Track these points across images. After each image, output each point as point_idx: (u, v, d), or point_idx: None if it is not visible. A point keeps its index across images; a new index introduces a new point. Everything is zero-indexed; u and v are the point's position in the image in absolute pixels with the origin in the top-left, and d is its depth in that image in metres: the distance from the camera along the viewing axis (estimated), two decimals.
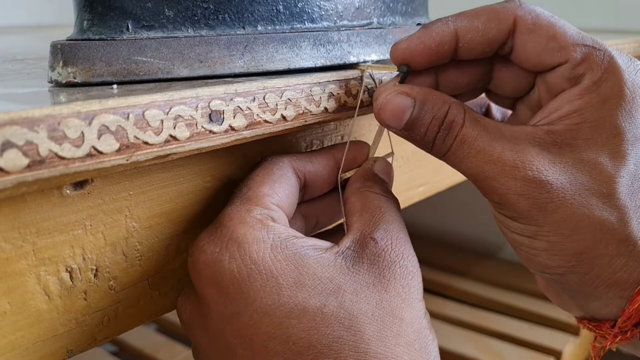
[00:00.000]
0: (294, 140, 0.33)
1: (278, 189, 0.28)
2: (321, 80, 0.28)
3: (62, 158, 0.19)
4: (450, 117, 0.27)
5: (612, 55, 0.27)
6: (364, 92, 0.30)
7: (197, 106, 0.23)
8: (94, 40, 0.26)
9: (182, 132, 0.23)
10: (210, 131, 0.24)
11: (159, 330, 0.88)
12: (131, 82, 0.26)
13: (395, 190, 0.31)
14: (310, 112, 0.28)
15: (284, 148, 0.32)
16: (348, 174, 0.31)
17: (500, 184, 0.27)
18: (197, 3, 0.27)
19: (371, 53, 0.32)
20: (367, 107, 0.31)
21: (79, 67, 0.25)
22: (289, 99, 0.27)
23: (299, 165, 0.30)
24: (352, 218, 0.28)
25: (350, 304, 0.25)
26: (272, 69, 0.28)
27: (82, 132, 0.20)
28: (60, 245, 0.24)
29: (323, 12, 0.30)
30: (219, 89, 0.24)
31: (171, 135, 0.23)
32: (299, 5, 0.29)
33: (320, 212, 0.32)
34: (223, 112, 0.24)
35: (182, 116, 0.23)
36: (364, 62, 0.32)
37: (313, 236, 0.29)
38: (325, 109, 0.29)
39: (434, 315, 0.84)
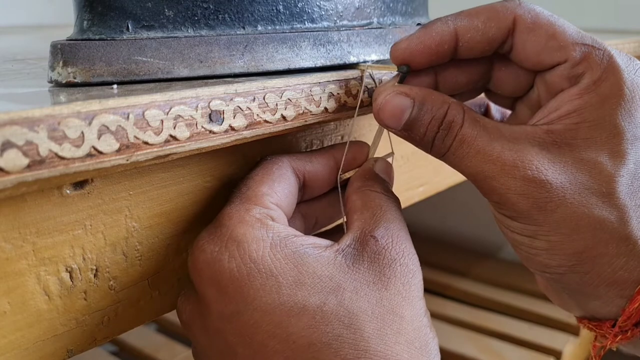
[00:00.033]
0: (294, 140, 0.33)
1: (277, 189, 0.28)
2: (321, 80, 0.28)
3: (62, 158, 0.19)
4: (450, 117, 0.27)
5: (611, 54, 0.27)
6: (364, 92, 0.30)
7: (197, 106, 0.23)
8: (94, 40, 0.26)
9: (182, 132, 0.23)
10: (210, 131, 0.24)
11: (159, 330, 0.88)
12: (131, 82, 0.26)
13: (395, 190, 0.31)
14: (310, 112, 0.28)
15: (284, 148, 0.32)
16: (348, 174, 0.31)
17: (500, 183, 0.27)
18: (197, 3, 0.27)
19: (371, 53, 0.32)
20: (367, 107, 0.31)
21: (79, 67, 0.25)
22: (289, 99, 0.27)
23: (298, 164, 0.30)
24: (353, 216, 0.28)
25: (350, 302, 0.25)
26: (272, 69, 0.28)
27: (82, 132, 0.20)
28: (60, 245, 0.24)
29: (323, 12, 0.30)
30: (219, 89, 0.24)
31: (171, 135, 0.23)
32: (299, 5, 0.29)
33: (320, 211, 0.33)
34: (223, 112, 0.24)
35: (182, 116, 0.23)
36: (364, 62, 0.32)
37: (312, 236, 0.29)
38: (325, 109, 0.29)
39: (434, 315, 0.84)
